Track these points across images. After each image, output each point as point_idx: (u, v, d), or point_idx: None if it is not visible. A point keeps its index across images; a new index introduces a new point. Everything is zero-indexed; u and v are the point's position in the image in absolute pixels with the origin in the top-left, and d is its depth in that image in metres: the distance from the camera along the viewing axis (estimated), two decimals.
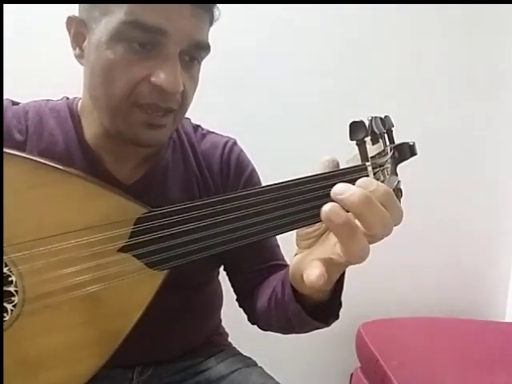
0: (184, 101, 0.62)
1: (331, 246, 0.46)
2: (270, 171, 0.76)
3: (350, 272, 0.55)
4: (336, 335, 1.52)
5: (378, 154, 0.46)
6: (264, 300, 0.70)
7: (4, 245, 0.48)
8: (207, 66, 0.66)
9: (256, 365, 0.84)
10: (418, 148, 0.52)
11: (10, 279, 0.49)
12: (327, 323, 0.57)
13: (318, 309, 0.55)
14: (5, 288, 0.50)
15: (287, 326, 0.64)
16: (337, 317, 0.57)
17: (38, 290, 0.49)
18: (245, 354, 0.86)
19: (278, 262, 0.77)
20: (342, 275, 0.52)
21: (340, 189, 0.41)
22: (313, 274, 0.44)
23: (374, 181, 0.42)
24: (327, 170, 0.47)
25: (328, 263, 0.45)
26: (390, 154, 0.48)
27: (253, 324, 0.78)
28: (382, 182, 0.47)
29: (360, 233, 0.41)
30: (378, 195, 0.41)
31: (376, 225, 0.42)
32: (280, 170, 0.72)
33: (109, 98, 0.59)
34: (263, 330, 0.76)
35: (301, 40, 1.40)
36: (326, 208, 0.40)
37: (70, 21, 0.62)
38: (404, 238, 1.51)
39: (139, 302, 0.52)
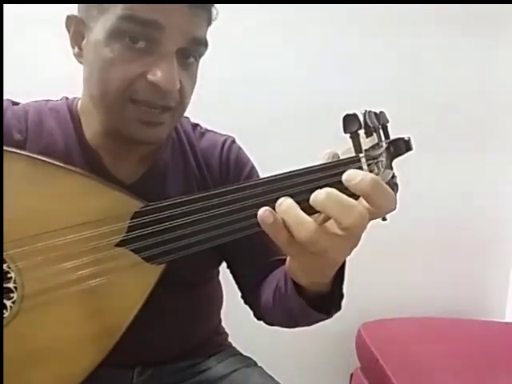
0: (182, 99, 0.62)
1: None
2: (270, 171, 0.76)
3: (351, 272, 0.55)
4: (336, 335, 1.52)
5: (371, 146, 0.47)
6: (269, 295, 0.70)
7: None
8: (207, 66, 0.66)
9: (256, 365, 0.83)
10: (414, 146, 0.52)
11: (8, 275, 0.50)
12: (329, 314, 0.57)
13: (321, 300, 0.55)
14: (4, 284, 0.50)
15: (291, 320, 0.65)
16: (339, 308, 0.57)
17: (37, 286, 0.50)
18: (245, 354, 0.86)
19: (280, 257, 0.77)
20: (343, 267, 0.53)
21: (349, 175, 0.44)
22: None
23: (359, 172, 0.44)
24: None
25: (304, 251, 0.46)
26: (384, 146, 0.48)
27: (259, 320, 0.78)
28: (376, 174, 0.47)
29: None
30: (365, 184, 0.43)
31: (383, 205, 0.44)
32: (280, 171, 0.72)
33: (105, 95, 0.59)
34: (269, 324, 0.76)
35: (301, 40, 1.41)
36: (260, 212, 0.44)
37: (70, 20, 0.63)
38: (404, 238, 1.52)
39: (137, 297, 0.52)
